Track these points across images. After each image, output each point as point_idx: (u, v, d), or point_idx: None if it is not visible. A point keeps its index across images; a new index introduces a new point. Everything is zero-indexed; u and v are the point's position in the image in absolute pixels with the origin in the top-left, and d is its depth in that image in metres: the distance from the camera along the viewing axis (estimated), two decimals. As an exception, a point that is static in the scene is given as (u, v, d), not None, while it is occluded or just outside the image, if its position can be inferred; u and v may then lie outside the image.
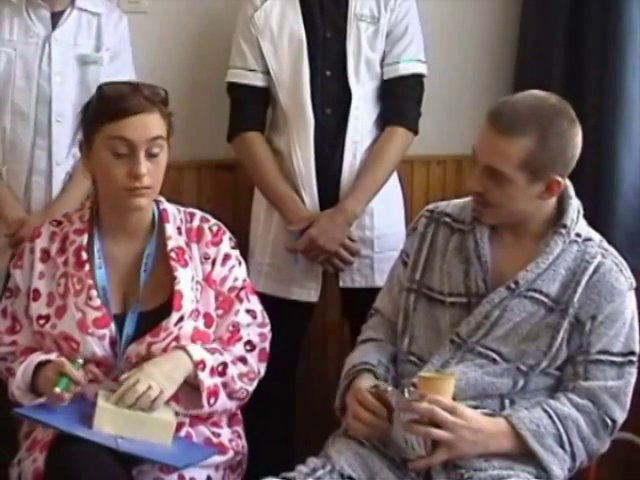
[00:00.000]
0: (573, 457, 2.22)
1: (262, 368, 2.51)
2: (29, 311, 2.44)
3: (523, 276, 2.26)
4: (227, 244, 2.50)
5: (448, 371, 2.25)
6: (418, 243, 2.43)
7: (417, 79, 2.96)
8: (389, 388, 2.27)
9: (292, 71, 2.90)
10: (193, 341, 2.40)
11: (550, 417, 2.21)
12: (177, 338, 2.39)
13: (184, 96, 3.22)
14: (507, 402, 2.26)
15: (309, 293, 2.95)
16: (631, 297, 2.30)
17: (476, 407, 2.23)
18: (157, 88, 2.40)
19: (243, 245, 2.86)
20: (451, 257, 2.36)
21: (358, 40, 2.90)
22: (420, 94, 2.97)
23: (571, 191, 2.34)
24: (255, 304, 2.53)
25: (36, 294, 2.43)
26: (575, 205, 2.33)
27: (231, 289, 2.48)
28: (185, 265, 2.42)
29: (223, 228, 2.52)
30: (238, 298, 2.49)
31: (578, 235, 2.30)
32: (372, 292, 2.72)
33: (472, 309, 2.29)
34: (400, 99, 2.94)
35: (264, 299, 2.90)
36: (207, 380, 2.37)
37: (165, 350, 2.38)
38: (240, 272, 2.51)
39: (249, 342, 2.48)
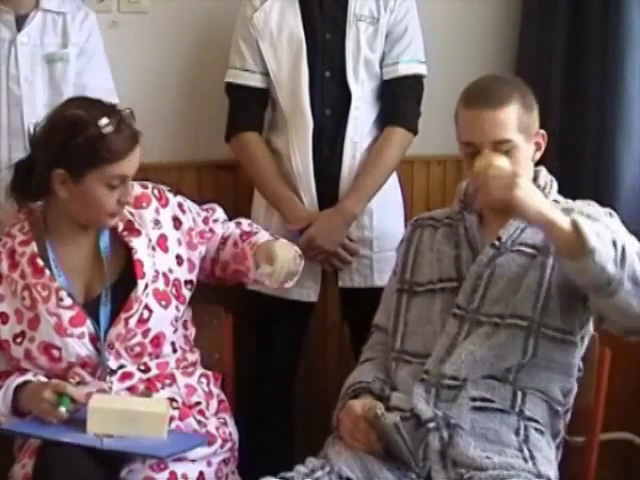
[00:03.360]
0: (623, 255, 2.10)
1: None
2: (1, 335, 2.42)
3: (504, 232, 2.32)
4: (172, 198, 2.57)
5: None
6: (405, 249, 2.49)
7: (417, 79, 2.95)
8: (378, 412, 2.24)
9: (291, 72, 2.89)
10: (158, 302, 2.45)
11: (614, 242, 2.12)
12: (147, 306, 2.43)
13: (184, 96, 3.23)
14: (519, 374, 2.25)
15: (308, 293, 2.94)
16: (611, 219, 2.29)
17: (485, 400, 2.24)
18: (124, 112, 2.40)
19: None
20: (440, 246, 2.40)
21: (357, 40, 2.89)
22: (420, 94, 2.97)
23: (542, 169, 2.42)
24: (208, 206, 2.69)
25: (4, 317, 2.42)
26: (544, 174, 2.40)
27: (205, 220, 2.62)
28: (138, 234, 2.47)
29: (160, 187, 2.57)
30: (210, 219, 2.64)
31: (556, 202, 2.34)
32: (371, 292, 2.72)
33: None
34: (400, 99, 2.93)
35: (264, 299, 2.92)
36: None
37: (141, 321, 2.41)
38: (193, 204, 2.62)
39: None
